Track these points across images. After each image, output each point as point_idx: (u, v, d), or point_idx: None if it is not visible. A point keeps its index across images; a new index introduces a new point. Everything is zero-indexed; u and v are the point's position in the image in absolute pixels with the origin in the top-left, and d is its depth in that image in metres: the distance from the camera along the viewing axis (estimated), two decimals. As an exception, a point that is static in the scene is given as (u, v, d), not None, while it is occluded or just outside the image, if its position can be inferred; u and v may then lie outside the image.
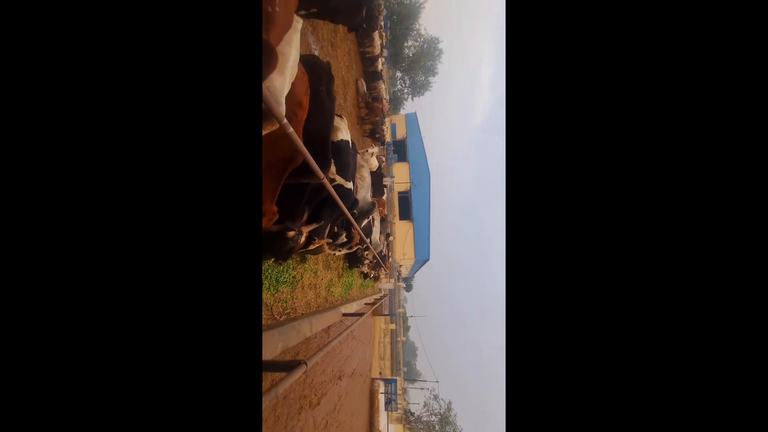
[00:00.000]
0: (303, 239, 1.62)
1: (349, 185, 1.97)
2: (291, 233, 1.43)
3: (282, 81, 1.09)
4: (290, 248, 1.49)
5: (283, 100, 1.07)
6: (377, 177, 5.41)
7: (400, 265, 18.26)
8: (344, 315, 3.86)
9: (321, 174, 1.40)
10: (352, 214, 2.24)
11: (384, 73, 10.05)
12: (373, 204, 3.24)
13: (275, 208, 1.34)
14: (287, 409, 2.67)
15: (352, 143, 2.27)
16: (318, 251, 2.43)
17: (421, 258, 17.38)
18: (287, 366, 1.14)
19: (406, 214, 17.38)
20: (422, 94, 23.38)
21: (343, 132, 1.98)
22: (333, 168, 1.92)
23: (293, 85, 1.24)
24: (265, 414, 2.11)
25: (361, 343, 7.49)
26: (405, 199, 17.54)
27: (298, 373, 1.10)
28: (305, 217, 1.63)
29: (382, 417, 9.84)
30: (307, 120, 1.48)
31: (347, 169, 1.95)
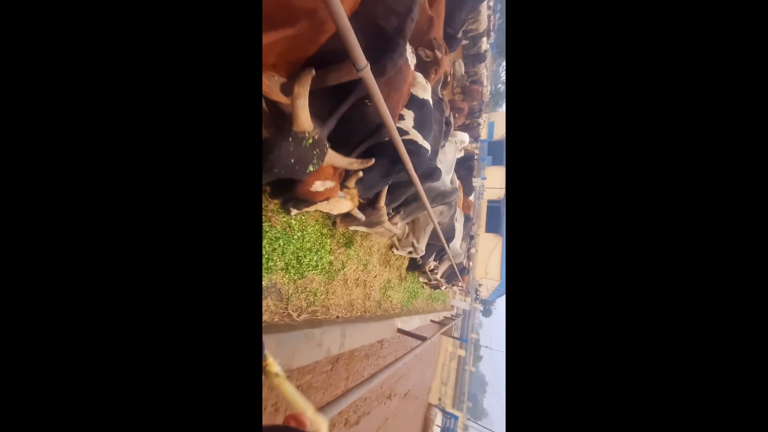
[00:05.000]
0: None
1: (426, 144, 1.21)
2: (301, 126, 0.79)
3: None
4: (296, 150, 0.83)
5: None
6: (464, 164, 4.32)
7: (480, 284, 15.81)
8: (399, 330, 3.05)
9: (362, 59, 0.70)
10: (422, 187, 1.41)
11: (488, 58, 8.71)
12: (454, 188, 2.30)
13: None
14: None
15: (436, 103, 1.46)
16: (372, 222, 1.71)
17: (509, 281, 14.35)
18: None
19: (495, 226, 14.80)
20: (533, 89, 19.59)
21: (422, 90, 1.25)
22: (410, 122, 1.20)
23: None
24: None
25: (421, 361, 6.49)
26: (496, 210, 14.98)
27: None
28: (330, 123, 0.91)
29: (436, 454, 8.39)
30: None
31: (427, 129, 1.22)
